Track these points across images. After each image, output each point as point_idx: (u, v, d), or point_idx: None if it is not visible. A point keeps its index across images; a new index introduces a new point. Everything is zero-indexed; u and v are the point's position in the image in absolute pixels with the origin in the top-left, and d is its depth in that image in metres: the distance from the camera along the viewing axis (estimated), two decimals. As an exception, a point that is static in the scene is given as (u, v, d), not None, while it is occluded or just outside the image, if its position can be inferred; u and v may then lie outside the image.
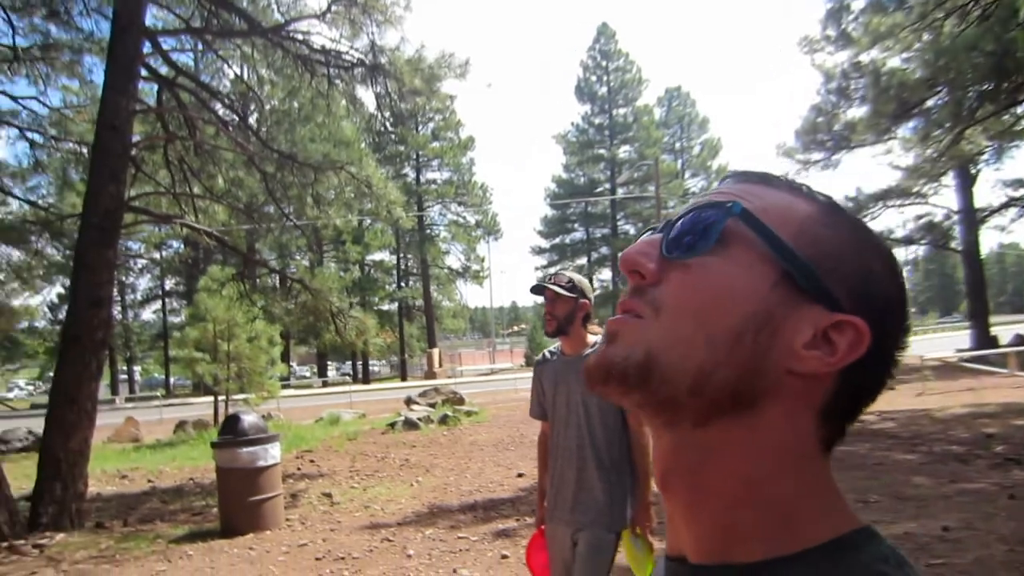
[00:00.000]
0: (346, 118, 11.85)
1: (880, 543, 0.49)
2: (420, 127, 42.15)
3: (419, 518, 6.92)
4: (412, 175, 43.10)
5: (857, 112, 19.27)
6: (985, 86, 11.96)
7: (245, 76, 11.89)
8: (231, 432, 6.86)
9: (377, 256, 44.56)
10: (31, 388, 48.84)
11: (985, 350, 19.79)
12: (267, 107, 11.72)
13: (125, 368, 45.92)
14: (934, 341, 35.56)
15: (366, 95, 10.35)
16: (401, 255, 44.85)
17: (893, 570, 0.47)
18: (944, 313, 77.58)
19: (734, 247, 0.53)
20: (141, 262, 41.88)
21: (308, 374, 49.51)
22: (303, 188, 10.48)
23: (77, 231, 8.12)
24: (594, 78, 47.30)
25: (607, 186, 47.23)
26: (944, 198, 23.72)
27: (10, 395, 44.49)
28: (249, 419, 7.09)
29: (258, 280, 23.91)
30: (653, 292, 0.53)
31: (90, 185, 7.97)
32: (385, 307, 43.85)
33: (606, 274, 48.07)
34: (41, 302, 28.88)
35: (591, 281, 25.19)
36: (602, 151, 47.37)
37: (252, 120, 11.53)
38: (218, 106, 10.71)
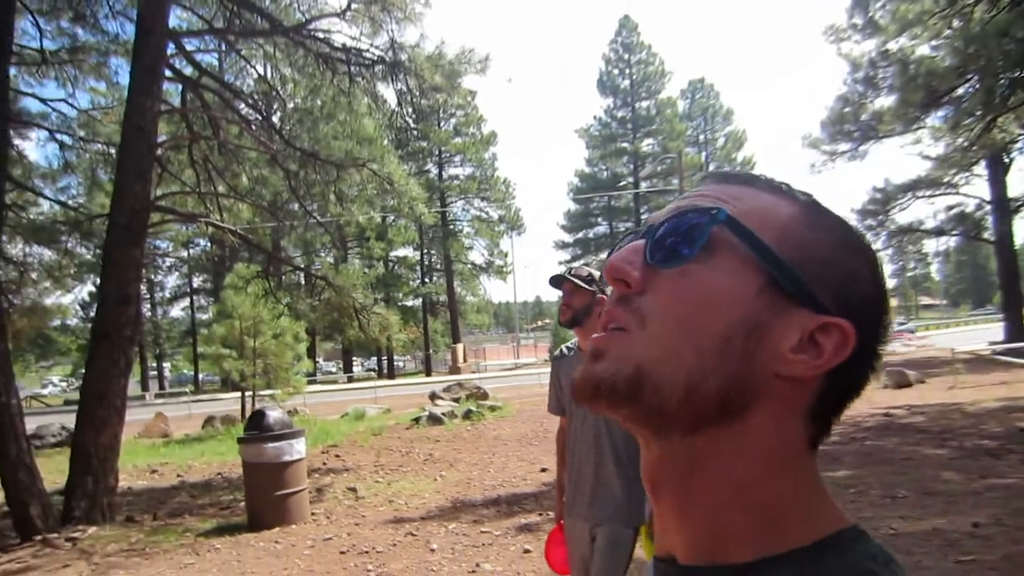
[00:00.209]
0: (368, 115, 11.90)
1: (867, 542, 0.50)
2: (442, 123, 42.25)
3: (442, 512, 6.96)
4: (435, 171, 43.24)
5: (885, 101, 19.00)
6: (1017, 73, 11.69)
7: (268, 75, 12.01)
8: (257, 428, 6.95)
9: (401, 252, 44.83)
10: (64, 385, 49.87)
11: (1019, 342, 19.37)
12: (290, 106, 11.82)
13: (155, 364, 46.76)
14: (966, 334, 34.95)
15: (387, 92, 10.40)
16: (425, 251, 45.04)
17: (880, 568, 0.47)
18: (977, 305, 76.08)
19: (719, 254, 0.52)
20: (169, 260, 42.54)
21: (334, 370, 49.96)
22: (326, 186, 10.56)
23: (105, 231, 8.25)
24: (616, 71, 47.03)
25: (630, 180, 46.99)
26: (976, 188, 23.36)
27: (44, 391, 45.54)
28: (274, 415, 7.17)
29: (283, 277, 24.16)
30: (639, 301, 0.53)
31: (117, 185, 8.10)
32: (409, 303, 44.10)
33: (630, 268, 47.74)
34: (73, 300, 29.53)
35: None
36: (625, 145, 47.12)
37: (275, 119, 11.65)
38: (241, 105, 10.83)
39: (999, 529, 4.87)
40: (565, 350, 2.95)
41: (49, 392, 46.05)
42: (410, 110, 11.37)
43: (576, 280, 2.70)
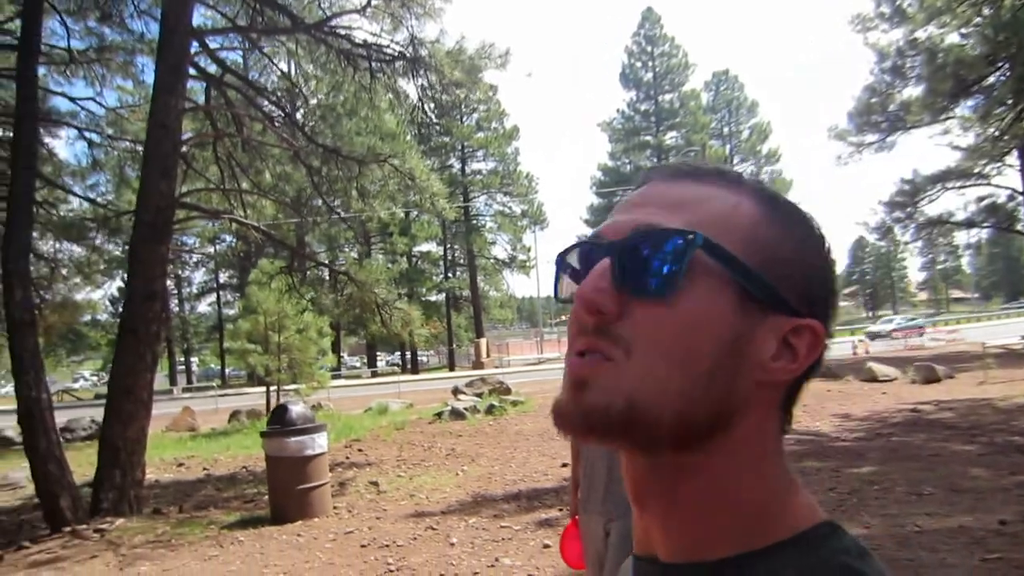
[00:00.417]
0: (389, 111, 11.95)
1: (842, 536, 0.50)
2: (464, 118, 42.25)
3: (463, 507, 6.99)
4: (457, 166, 43.28)
5: (913, 91, 18.66)
6: (1050, 60, 11.42)
7: (290, 72, 12.09)
8: (279, 422, 7.03)
9: (424, 247, 44.97)
10: (95, 379, 50.85)
11: (1052, 337, 18.98)
12: (312, 102, 11.90)
13: (182, 359, 47.46)
14: (998, 328, 34.28)
15: (409, 87, 10.43)
16: (448, 246, 45.15)
17: (855, 561, 0.48)
18: (1009, 298, 74.49)
19: (696, 278, 0.51)
20: (196, 256, 43.13)
21: (358, 364, 50.35)
22: (348, 182, 10.62)
23: (132, 227, 8.39)
24: (639, 64, 46.72)
25: (653, 173, 46.65)
26: (1008, 178, 22.71)
27: (75, 385, 46.50)
28: (297, 409, 7.24)
29: (308, 272, 24.37)
30: (618, 329, 0.51)
31: (142, 183, 8.22)
32: (433, 298, 44.29)
33: (653, 262, 47.52)
34: (102, 296, 30.09)
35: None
36: (648, 138, 46.83)
37: (298, 115, 11.74)
38: (264, 102, 10.93)
39: (1027, 527, 4.77)
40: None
41: (80, 386, 47.03)
42: (432, 105, 11.39)
43: None
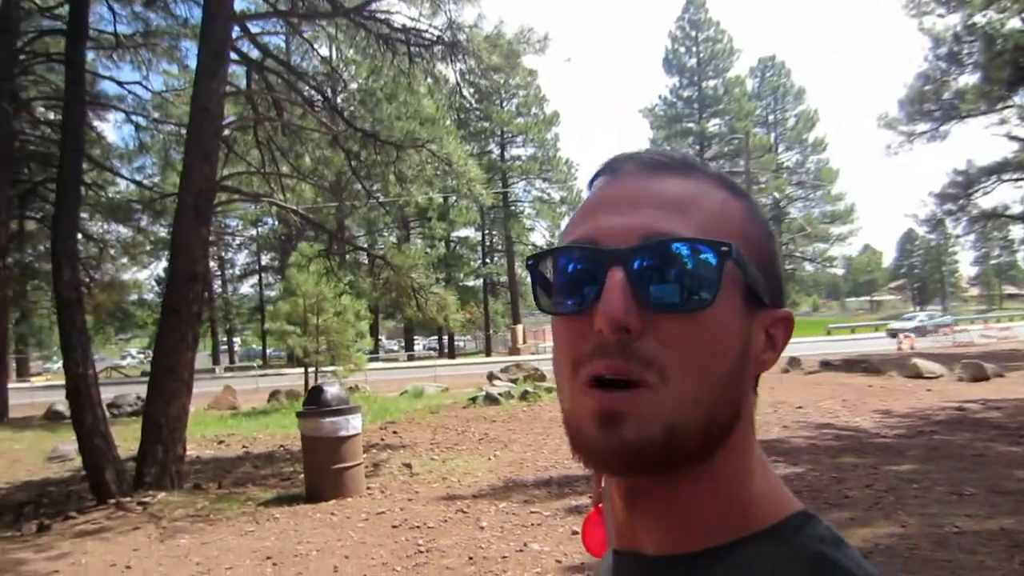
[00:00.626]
0: (428, 96, 11.97)
1: (817, 524, 0.51)
2: (504, 103, 42.13)
3: (494, 491, 7.02)
4: (496, 151, 43.22)
5: (969, 79, 18.03)
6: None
7: (330, 57, 12.18)
8: (315, 403, 7.14)
9: (463, 232, 45.11)
10: (142, 357, 52.35)
11: (1109, 335, 18.26)
12: (352, 86, 11.97)
13: (225, 339, 48.50)
14: (1052, 324, 33.13)
15: (448, 72, 10.43)
16: (486, 231, 45.22)
17: (830, 549, 0.48)
18: (1066, 295, 71.95)
19: (722, 289, 0.49)
20: (239, 238, 43.95)
21: (396, 348, 50.89)
22: (386, 166, 10.69)
23: (175, 210, 8.57)
24: (683, 49, 46.01)
25: (695, 161, 46.03)
26: (1068, 171, 21.84)
27: (123, 363, 47.92)
28: (332, 390, 7.35)
29: (347, 256, 24.67)
30: (643, 348, 0.48)
31: (185, 166, 8.38)
32: (470, 283, 44.44)
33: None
34: (148, 276, 30.85)
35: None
36: (691, 125, 46.18)
37: (338, 100, 11.83)
38: (304, 87, 11.03)
39: (1074, 531, 4.61)
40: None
41: (128, 363, 48.43)
42: (471, 90, 11.38)
43: None
